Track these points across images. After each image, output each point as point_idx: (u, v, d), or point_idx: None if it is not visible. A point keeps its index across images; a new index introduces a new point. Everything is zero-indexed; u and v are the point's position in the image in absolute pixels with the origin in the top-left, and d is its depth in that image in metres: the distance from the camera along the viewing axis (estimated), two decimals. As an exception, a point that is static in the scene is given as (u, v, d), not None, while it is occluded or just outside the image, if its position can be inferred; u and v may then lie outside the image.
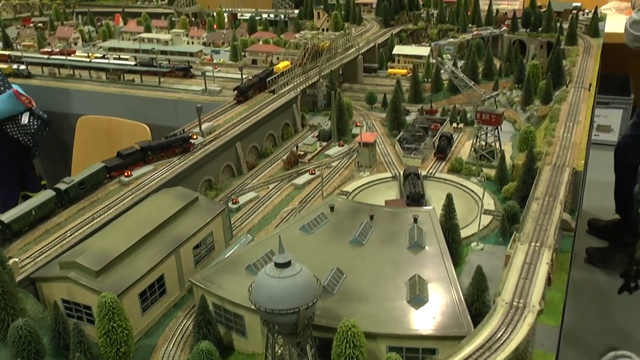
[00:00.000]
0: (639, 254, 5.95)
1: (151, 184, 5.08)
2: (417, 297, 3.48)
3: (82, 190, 4.87)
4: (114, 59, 9.28)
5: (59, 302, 3.75)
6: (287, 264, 3.02)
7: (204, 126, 6.06)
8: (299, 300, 2.98)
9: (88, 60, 9.26)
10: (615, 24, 11.47)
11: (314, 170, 5.93)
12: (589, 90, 6.83)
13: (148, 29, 11.49)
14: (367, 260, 3.87)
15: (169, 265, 4.11)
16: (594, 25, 9.09)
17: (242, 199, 5.55)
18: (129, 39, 11.15)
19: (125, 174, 5.20)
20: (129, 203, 4.75)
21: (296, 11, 11.55)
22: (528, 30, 9.33)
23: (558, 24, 9.06)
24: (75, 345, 3.41)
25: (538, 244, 4.00)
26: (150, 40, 10.52)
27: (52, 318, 3.53)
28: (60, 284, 3.78)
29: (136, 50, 9.73)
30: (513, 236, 4.15)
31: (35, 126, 8.46)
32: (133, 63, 9.02)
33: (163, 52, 9.59)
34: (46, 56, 9.60)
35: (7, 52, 9.95)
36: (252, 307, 3.16)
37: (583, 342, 8.08)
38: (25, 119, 8.44)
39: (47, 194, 4.61)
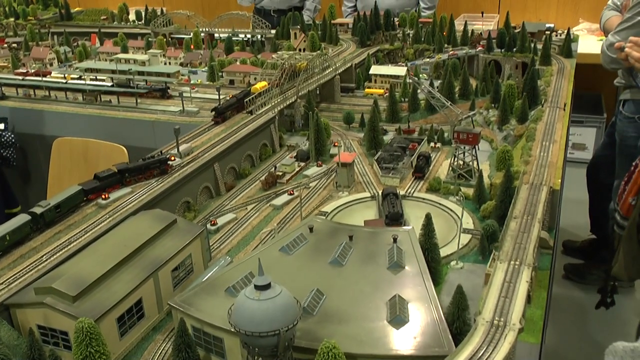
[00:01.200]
0: (614, 270, 5.99)
1: (129, 207, 5.02)
2: (398, 317, 3.48)
3: (59, 214, 4.80)
4: (91, 79, 9.22)
5: (35, 328, 3.68)
6: (266, 286, 3.00)
7: (181, 147, 6.03)
8: (279, 323, 2.96)
9: (64, 81, 9.18)
10: (587, 45, 11.73)
11: (293, 191, 5.92)
12: (564, 109, 6.93)
13: (125, 50, 11.44)
14: (347, 281, 3.86)
15: (147, 288, 4.06)
16: (567, 46, 9.24)
17: (221, 221, 5.51)
18: (106, 60, 11.08)
19: (103, 196, 5.14)
20: (107, 226, 4.69)
21: (273, 31, 11.59)
22: (503, 50, 9.46)
23: (532, 45, 9.20)
24: (51, 372, 3.36)
25: (517, 263, 4.01)
26: (127, 60, 10.48)
27: (27, 345, 3.45)
28: (35, 309, 3.71)
29: (113, 71, 9.68)
30: (492, 255, 4.17)
31: (12, 138, 8.41)
32: (110, 84, 8.97)
33: (140, 73, 9.55)
34: (21, 77, 9.48)
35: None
36: (232, 330, 3.14)
37: (563, 358, 8.15)
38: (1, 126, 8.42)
39: (22, 218, 4.53)
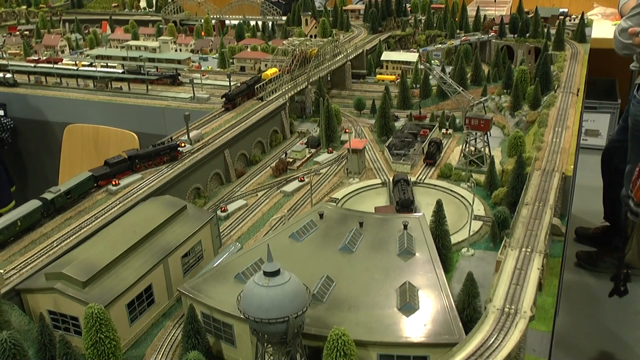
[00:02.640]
0: (628, 257, 5.93)
1: (139, 193, 5.02)
2: (408, 304, 3.45)
3: (69, 200, 4.82)
4: (102, 66, 9.22)
5: (45, 314, 3.70)
6: (276, 273, 2.99)
7: (192, 134, 6.02)
8: (289, 309, 2.95)
9: (75, 68, 9.19)
10: (601, 29, 11.56)
11: (303, 178, 5.90)
12: (577, 95, 6.84)
13: (135, 37, 11.43)
14: (357, 268, 3.84)
15: (157, 274, 4.07)
16: (581, 31, 9.12)
17: (231, 207, 5.50)
18: (117, 47, 11.09)
19: (113, 182, 5.15)
20: (117, 212, 4.70)
21: (284, 18, 11.53)
22: (515, 36, 9.35)
23: (545, 30, 9.08)
24: (62, 357, 3.36)
25: (529, 250, 3.98)
26: (137, 47, 10.47)
27: (37, 330, 3.47)
28: (46, 295, 3.73)
29: (124, 58, 9.68)
30: (503, 242, 4.13)
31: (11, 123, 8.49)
32: (120, 71, 8.97)
33: (151, 60, 9.54)
34: (32, 64, 9.52)
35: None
36: (241, 316, 3.13)
37: (575, 346, 8.10)
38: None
39: (32, 204, 4.55)
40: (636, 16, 7.28)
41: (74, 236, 4.39)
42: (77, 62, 9.53)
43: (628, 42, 7.20)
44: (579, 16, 9.59)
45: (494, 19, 10.08)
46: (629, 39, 6.94)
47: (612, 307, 8.31)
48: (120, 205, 4.82)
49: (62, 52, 11.08)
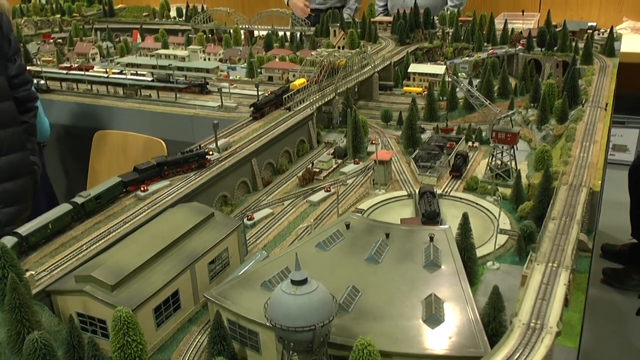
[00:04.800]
0: (656, 276, 5.89)
1: (167, 199, 5.09)
2: (433, 316, 3.46)
3: (99, 205, 4.90)
4: (131, 74, 9.37)
5: (74, 316, 3.76)
6: (303, 282, 3.01)
7: (220, 142, 6.08)
8: (315, 318, 2.97)
9: (106, 75, 9.35)
10: (631, 43, 11.47)
11: (330, 188, 5.93)
12: (605, 109, 6.79)
13: (165, 45, 11.59)
14: (383, 278, 3.85)
15: (184, 280, 4.11)
16: (610, 45, 9.06)
17: (257, 215, 5.55)
18: (147, 55, 11.25)
19: (142, 188, 5.22)
20: (145, 218, 4.76)
21: (312, 29, 11.61)
22: (543, 49, 9.32)
23: (573, 44, 9.03)
24: (90, 358, 3.41)
25: (555, 265, 3.95)
26: (167, 56, 10.61)
27: (66, 331, 3.53)
28: (75, 297, 3.79)
29: (153, 66, 9.82)
30: (529, 256, 4.11)
31: None
32: (150, 79, 9.10)
33: (180, 68, 9.66)
34: (65, 71, 9.70)
35: (27, 67, 10.07)
36: (268, 324, 3.15)
37: (600, 364, 8.01)
38: None
39: (63, 208, 4.64)
40: None
41: (102, 240, 4.46)
42: (108, 70, 9.68)
43: None
44: (608, 30, 9.53)
45: (521, 32, 10.05)
46: None
47: (639, 325, 8.19)
48: (148, 210, 4.89)
49: (94, 59, 11.27)
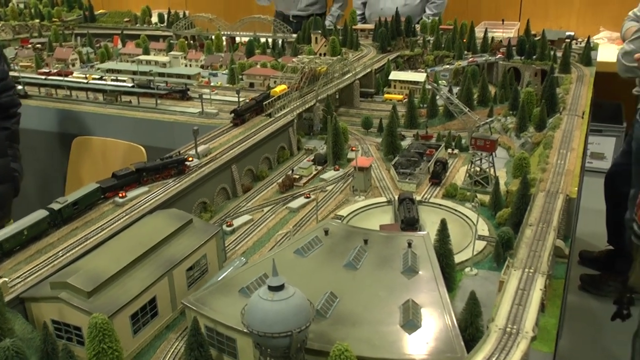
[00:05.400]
0: (631, 281, 5.95)
1: (146, 205, 5.07)
2: (411, 321, 3.47)
3: (76, 211, 4.86)
4: (112, 80, 9.31)
5: (49, 323, 3.72)
6: (280, 287, 3.01)
7: (200, 148, 6.07)
8: (292, 324, 2.97)
9: (85, 81, 9.28)
10: (607, 53, 11.64)
11: (309, 194, 5.93)
12: (582, 117, 6.88)
13: (146, 51, 11.54)
14: (361, 284, 3.86)
15: (161, 287, 4.09)
16: (587, 54, 9.18)
17: (237, 222, 5.54)
18: (127, 61, 11.19)
19: (120, 195, 5.19)
20: (123, 224, 4.73)
21: (294, 35, 11.63)
22: (522, 58, 9.42)
23: (552, 52, 9.15)
24: (65, 366, 3.39)
25: (531, 270, 3.99)
26: (148, 62, 10.55)
27: (41, 339, 3.49)
28: (50, 304, 3.75)
29: (134, 72, 9.76)
30: (507, 262, 4.15)
31: None
32: (130, 85, 9.05)
33: (161, 74, 9.61)
34: (43, 77, 9.62)
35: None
36: (245, 330, 3.15)
37: (577, 370, 8.08)
38: None
39: (40, 214, 4.59)
40: (638, 39, 7.37)
41: (79, 246, 4.42)
42: (88, 76, 9.62)
43: (631, 65, 7.27)
44: (585, 40, 9.66)
45: (501, 40, 10.15)
46: (632, 62, 7.02)
47: (615, 330, 8.27)
48: (126, 217, 4.86)
49: (73, 65, 11.18)
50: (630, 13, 8.61)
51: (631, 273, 6.03)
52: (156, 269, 4.08)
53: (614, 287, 9.39)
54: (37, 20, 14.30)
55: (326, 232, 4.38)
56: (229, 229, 5.41)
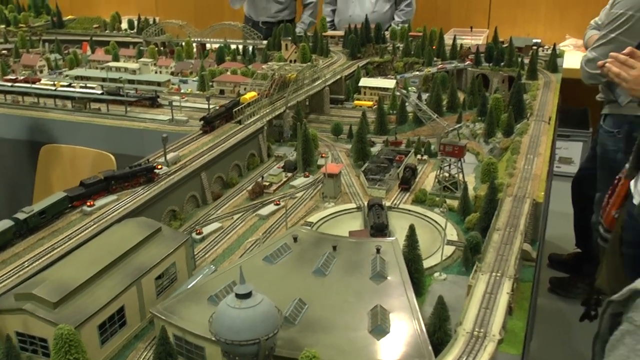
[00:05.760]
0: (598, 283, 6.06)
1: (114, 214, 5.02)
2: (379, 327, 3.49)
3: (43, 220, 4.80)
4: (80, 87, 9.22)
5: (13, 335, 3.66)
6: (247, 295, 3.02)
7: (169, 156, 6.04)
8: (260, 331, 2.98)
9: (53, 88, 9.18)
10: (573, 60, 11.85)
11: (279, 201, 5.93)
12: (549, 123, 6.99)
13: (116, 58, 11.46)
14: (330, 291, 3.87)
15: (130, 296, 4.06)
16: (553, 61, 9.36)
17: (206, 230, 5.52)
18: (96, 68, 11.08)
19: (88, 203, 5.14)
20: (91, 233, 4.69)
21: (264, 42, 11.64)
22: (491, 64, 9.55)
23: (519, 59, 9.29)
24: (30, 378, 3.34)
25: (499, 274, 4.04)
26: (117, 69, 10.48)
27: (3, 352, 3.43)
28: (15, 316, 3.69)
29: (103, 79, 9.68)
30: (475, 266, 4.20)
31: None
32: (100, 92, 8.96)
33: (130, 81, 9.54)
34: (9, 84, 9.48)
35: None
36: (213, 338, 3.14)
37: (546, 371, 8.20)
38: None
39: (4, 224, 4.52)
40: (601, 47, 7.55)
41: (46, 256, 4.36)
42: (56, 83, 9.51)
43: (594, 72, 7.43)
44: (552, 47, 9.82)
45: (470, 47, 10.28)
46: (595, 69, 7.17)
47: (584, 331, 8.41)
48: (94, 226, 4.81)
49: (41, 72, 11.05)
50: (591, 22, 8.80)
51: (598, 275, 6.13)
52: (124, 278, 4.05)
53: (582, 289, 9.55)
54: (3, 26, 14.08)
55: (295, 239, 4.39)
56: (198, 236, 5.39)
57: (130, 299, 4.05)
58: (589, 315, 6.06)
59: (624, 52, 5.35)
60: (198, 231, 5.47)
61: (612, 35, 7.44)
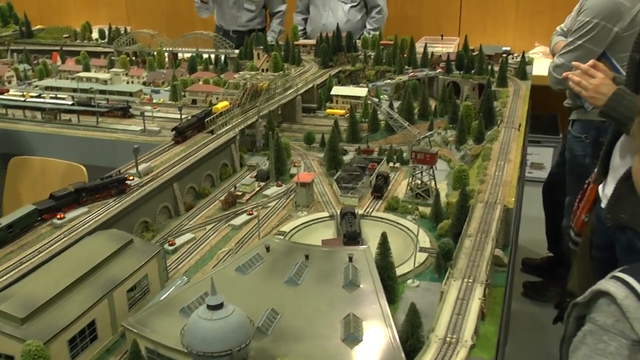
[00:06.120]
0: (570, 286, 6.15)
1: (85, 227, 4.97)
2: (352, 335, 3.50)
3: (11, 234, 4.73)
4: (51, 98, 9.11)
5: (-21, 353, 3.60)
6: (219, 306, 3.01)
7: (141, 167, 6.00)
8: (232, 342, 2.97)
9: (23, 99, 9.06)
10: (542, 67, 12.01)
11: (252, 211, 5.93)
12: (519, 130, 7.08)
13: (87, 68, 11.34)
14: (302, 300, 3.88)
15: (101, 309, 4.02)
16: (523, 68, 9.49)
17: (179, 241, 5.49)
18: (67, 78, 10.97)
19: (58, 216, 5.08)
20: (61, 246, 4.63)
21: (236, 51, 11.63)
22: (461, 72, 9.65)
23: (489, 67, 9.40)
24: (-3, 396, 3.29)
25: (470, 280, 4.08)
26: (88, 79, 10.38)
27: (-30, 370, 3.39)
28: (-19, 333, 3.64)
29: (74, 90, 9.57)
30: (447, 273, 4.23)
31: None
32: (70, 102, 8.87)
33: (102, 92, 9.45)
34: (-22, 95, 9.35)
35: None
36: (185, 351, 3.12)
37: (520, 375, 8.28)
38: None
39: (-28, 238, 4.46)
40: (568, 53, 7.70)
41: (14, 271, 4.29)
42: (25, 93, 9.39)
43: (561, 78, 7.57)
44: (521, 54, 9.97)
45: (441, 55, 10.38)
46: (562, 74, 7.30)
47: (557, 334, 8.52)
48: (65, 239, 4.75)
49: (9, 82, 10.90)
50: (557, 28, 8.97)
51: (570, 278, 6.23)
52: (95, 291, 4.01)
53: (555, 293, 9.67)
54: (-30, 37, 13.90)
55: (267, 249, 4.39)
56: (171, 247, 5.36)
57: (101, 312, 4.01)
58: (562, 318, 6.13)
59: (587, 64, 5.47)
60: (171, 242, 5.43)
61: (579, 42, 7.60)
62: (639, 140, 2.91)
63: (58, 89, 9.81)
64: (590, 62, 5.53)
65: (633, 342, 2.35)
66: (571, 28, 8.17)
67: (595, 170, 5.84)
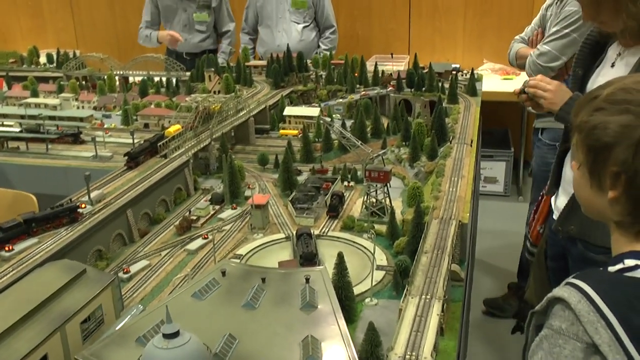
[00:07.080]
0: (527, 296, 6.26)
1: (35, 258, 4.83)
2: (311, 357, 3.49)
3: (-44, 268, 4.58)
4: (-3, 126, 8.90)
5: None
6: (175, 334, 2.96)
7: (93, 194, 5.88)
8: (189, 371, 2.92)
9: (-33, 128, 8.83)
10: (490, 83, 12.34)
11: (207, 235, 5.87)
12: (471, 145, 7.21)
13: (35, 94, 11.11)
14: (260, 324, 3.84)
15: (53, 343, 3.89)
16: (472, 85, 9.68)
17: (134, 268, 5.38)
18: (14, 105, 10.72)
19: (6, 248, 4.93)
20: (10, 280, 4.48)
21: (188, 74, 11.57)
22: (412, 90, 9.79)
23: (439, 84, 9.57)
24: None
25: (428, 297, 4.12)
26: (37, 105, 10.17)
27: None
28: None
29: (22, 116, 9.37)
30: (405, 290, 4.25)
31: None
32: (18, 129, 8.68)
33: (51, 118, 9.27)
34: None
35: None
36: (141, 382, 3.06)
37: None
38: None
39: None
40: (555, 41, 7.73)
41: (-39, 307, 4.14)
42: (-30, 122, 9.15)
43: (547, 65, 7.66)
44: (470, 71, 10.18)
45: (391, 74, 10.52)
46: (548, 61, 7.41)
47: (517, 343, 8.64)
48: (14, 272, 4.61)
49: (-46, 111, 10.59)
50: (516, 37, 9.07)
51: (527, 288, 6.35)
52: (47, 325, 3.89)
53: (515, 305, 9.81)
54: None
55: (223, 273, 4.35)
56: (125, 275, 5.26)
57: (53, 346, 3.89)
58: (521, 328, 6.24)
59: (534, 77, 5.58)
60: (125, 270, 5.33)
61: (566, 31, 7.60)
62: (579, 153, 2.99)
63: (5, 115, 9.59)
64: (539, 76, 5.59)
65: (587, 345, 2.45)
66: (536, 35, 8.28)
67: (548, 182, 5.97)
